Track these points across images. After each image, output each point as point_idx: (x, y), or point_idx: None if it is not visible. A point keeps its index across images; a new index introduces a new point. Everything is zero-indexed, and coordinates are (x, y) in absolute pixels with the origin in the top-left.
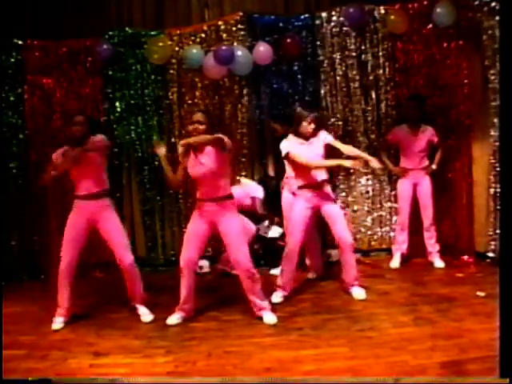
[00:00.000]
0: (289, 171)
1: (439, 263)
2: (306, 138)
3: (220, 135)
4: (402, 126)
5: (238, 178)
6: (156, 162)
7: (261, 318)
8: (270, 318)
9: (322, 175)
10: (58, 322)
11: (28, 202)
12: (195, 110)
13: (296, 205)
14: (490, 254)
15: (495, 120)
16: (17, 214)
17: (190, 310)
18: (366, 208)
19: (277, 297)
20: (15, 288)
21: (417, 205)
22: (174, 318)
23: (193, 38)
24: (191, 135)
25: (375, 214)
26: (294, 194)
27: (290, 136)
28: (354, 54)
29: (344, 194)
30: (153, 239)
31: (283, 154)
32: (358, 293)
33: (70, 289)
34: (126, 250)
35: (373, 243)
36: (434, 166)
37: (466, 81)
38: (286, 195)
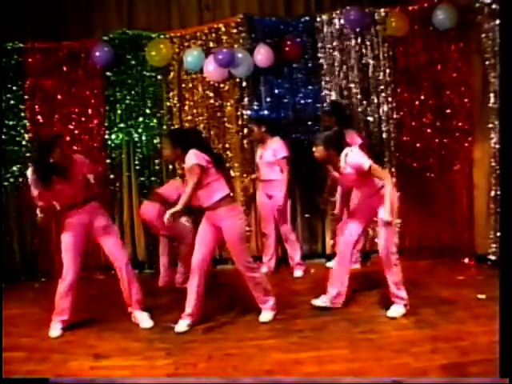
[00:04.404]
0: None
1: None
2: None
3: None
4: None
5: None
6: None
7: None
8: (264, 316)
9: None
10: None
11: (29, 204)
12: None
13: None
14: (491, 257)
15: (496, 122)
16: (17, 216)
17: (198, 314)
18: None
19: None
20: (15, 289)
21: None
22: (182, 326)
23: (193, 40)
24: None
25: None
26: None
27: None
28: (354, 56)
29: None
30: (153, 241)
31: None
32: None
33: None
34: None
35: (373, 245)
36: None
37: (466, 83)
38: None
